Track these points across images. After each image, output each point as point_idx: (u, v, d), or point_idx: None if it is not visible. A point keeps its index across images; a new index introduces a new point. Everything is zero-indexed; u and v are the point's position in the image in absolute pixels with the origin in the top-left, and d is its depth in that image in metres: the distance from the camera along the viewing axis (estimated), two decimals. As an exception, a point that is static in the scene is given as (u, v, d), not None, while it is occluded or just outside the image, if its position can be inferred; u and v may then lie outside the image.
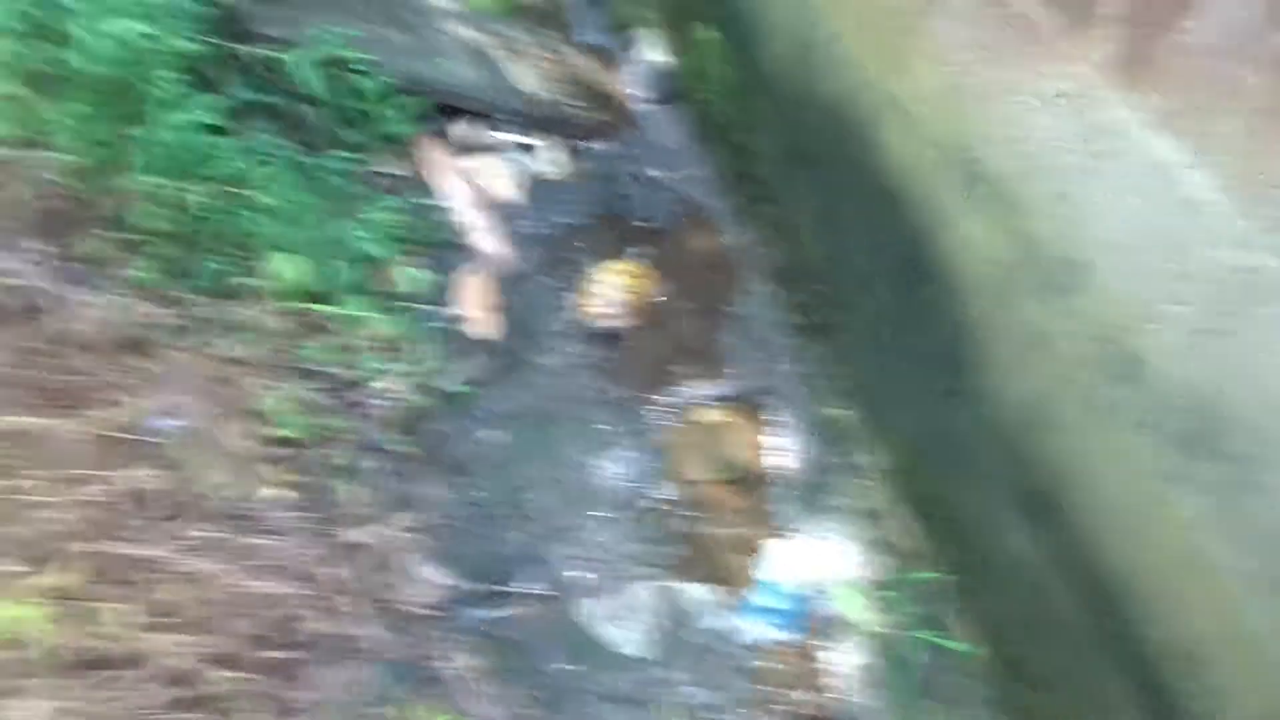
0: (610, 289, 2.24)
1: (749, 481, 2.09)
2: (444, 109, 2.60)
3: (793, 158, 2.19)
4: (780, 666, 1.86)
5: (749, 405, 2.22)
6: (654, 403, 2.19)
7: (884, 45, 1.76)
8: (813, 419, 2.20)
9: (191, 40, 2.03)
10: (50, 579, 1.44)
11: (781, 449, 2.15)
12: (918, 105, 1.69)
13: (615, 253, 2.37)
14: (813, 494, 2.08)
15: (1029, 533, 1.60)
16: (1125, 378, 1.33)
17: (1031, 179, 1.45)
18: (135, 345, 1.89)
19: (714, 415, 2.19)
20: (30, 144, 1.91)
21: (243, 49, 2.22)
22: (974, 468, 1.71)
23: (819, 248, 2.15)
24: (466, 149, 2.56)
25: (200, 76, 2.14)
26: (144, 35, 1.90)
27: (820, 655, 1.88)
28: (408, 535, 1.83)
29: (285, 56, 2.21)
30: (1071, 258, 1.40)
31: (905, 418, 1.92)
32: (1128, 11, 1.22)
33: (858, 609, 1.90)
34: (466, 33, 2.70)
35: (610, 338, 2.29)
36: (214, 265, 2.00)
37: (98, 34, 1.82)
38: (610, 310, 2.25)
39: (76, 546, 1.50)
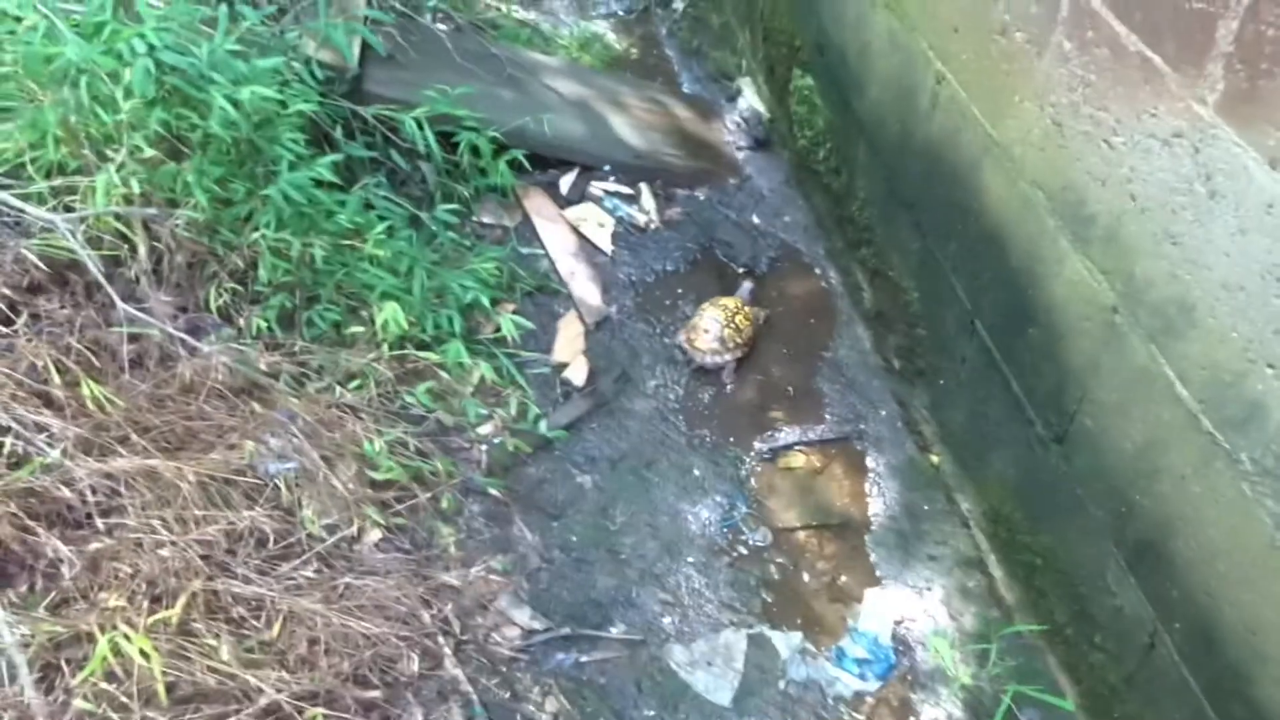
0: (708, 334, 2.24)
1: (844, 528, 2.04)
2: (549, 160, 2.68)
3: (891, 202, 2.16)
4: (872, 719, 1.80)
5: (845, 450, 2.18)
6: (750, 447, 2.17)
7: (988, 88, 1.74)
8: (910, 465, 2.15)
9: (316, 104, 2.16)
10: (164, 614, 1.52)
11: (877, 495, 2.10)
12: (1023, 147, 1.65)
13: (714, 298, 2.38)
14: (909, 542, 2.02)
15: (1135, 585, 1.51)
16: (1241, 424, 1.25)
17: (1141, 220, 1.40)
18: (255, 391, 1.99)
19: (810, 460, 2.16)
20: (168, 203, 2.05)
21: (362, 109, 2.34)
22: (1077, 516, 1.63)
23: (918, 291, 2.11)
24: (570, 199, 2.63)
25: (322, 136, 2.27)
26: (276, 101, 2.03)
27: (914, 708, 1.81)
28: (503, 578, 1.86)
29: (401, 116, 2.32)
30: (1184, 299, 1.33)
31: (1005, 464, 1.85)
32: (1242, 50, 1.17)
33: (953, 661, 1.83)
34: (571, 87, 2.78)
35: (707, 382, 2.29)
36: (329, 315, 2.10)
37: (235, 101, 1.95)
38: (707, 355, 2.25)
39: (192, 583, 1.58)
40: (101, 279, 1.94)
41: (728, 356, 2.25)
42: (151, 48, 1.88)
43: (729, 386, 2.28)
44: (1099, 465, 1.56)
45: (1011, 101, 1.66)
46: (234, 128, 1.99)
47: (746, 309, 2.30)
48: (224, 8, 2.03)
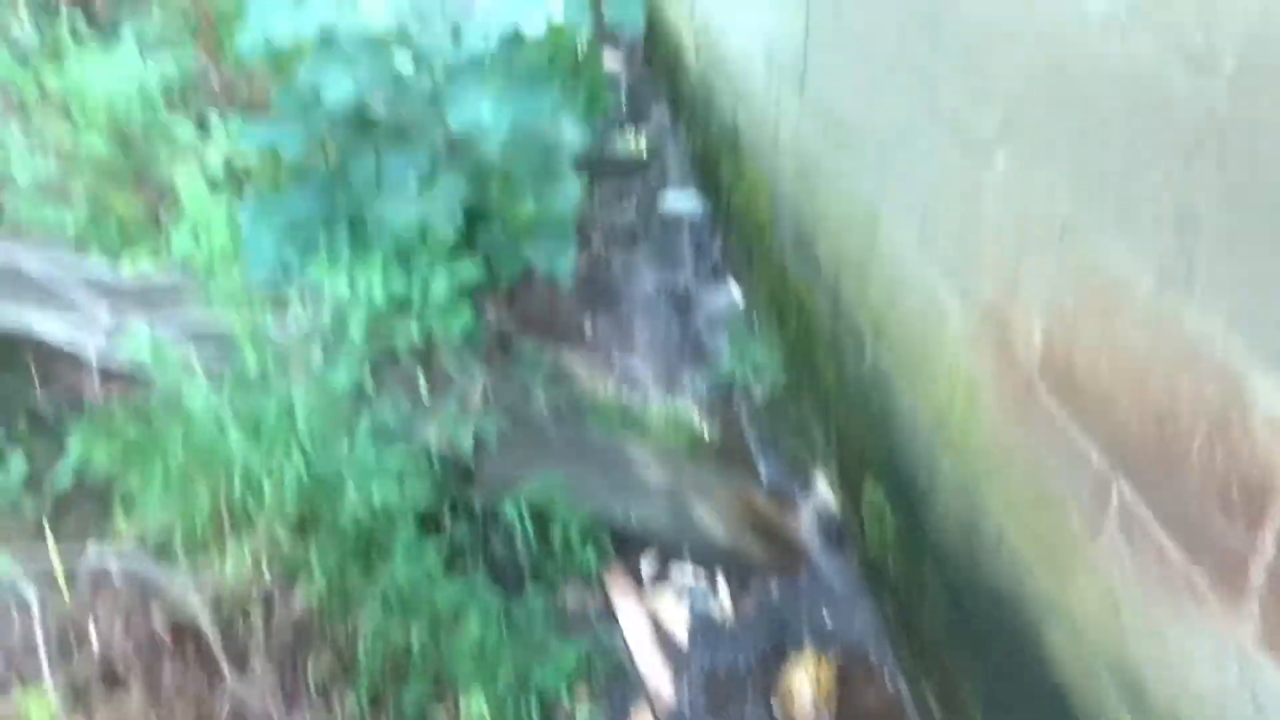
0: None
1: None
2: (633, 544, 2.88)
3: (958, 631, 2.25)
4: None
5: None
6: None
7: (1049, 555, 1.87)
8: None
9: (429, 494, 2.41)
10: None
11: None
12: (1084, 618, 1.75)
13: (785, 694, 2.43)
14: None
15: None
16: None
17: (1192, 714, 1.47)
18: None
19: None
20: (287, 580, 2.26)
21: (466, 496, 2.60)
22: None
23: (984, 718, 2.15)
24: (651, 584, 2.78)
25: (430, 521, 2.51)
26: (398, 494, 2.29)
27: None
28: None
29: (500, 502, 2.56)
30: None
31: None
32: (1275, 591, 1.30)
33: None
34: (658, 472, 3.03)
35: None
36: (417, 698, 2.22)
37: (364, 493, 2.21)
38: None
39: None
40: (219, 653, 2.12)
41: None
42: (304, 451, 2.17)
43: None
44: None
45: (1071, 570, 1.79)
46: (357, 517, 2.23)
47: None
48: (366, 414, 2.35)
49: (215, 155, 3.17)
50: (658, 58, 6.64)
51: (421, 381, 2.57)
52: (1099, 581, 1.70)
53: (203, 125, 3.39)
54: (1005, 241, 1.75)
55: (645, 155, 5.10)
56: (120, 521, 2.25)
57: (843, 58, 2.63)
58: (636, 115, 5.45)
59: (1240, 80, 1.13)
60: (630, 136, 5.09)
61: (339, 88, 2.42)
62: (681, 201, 4.63)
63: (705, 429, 3.44)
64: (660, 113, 5.92)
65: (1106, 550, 1.67)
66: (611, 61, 5.86)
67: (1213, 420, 1.25)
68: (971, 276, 1.89)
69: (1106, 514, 1.67)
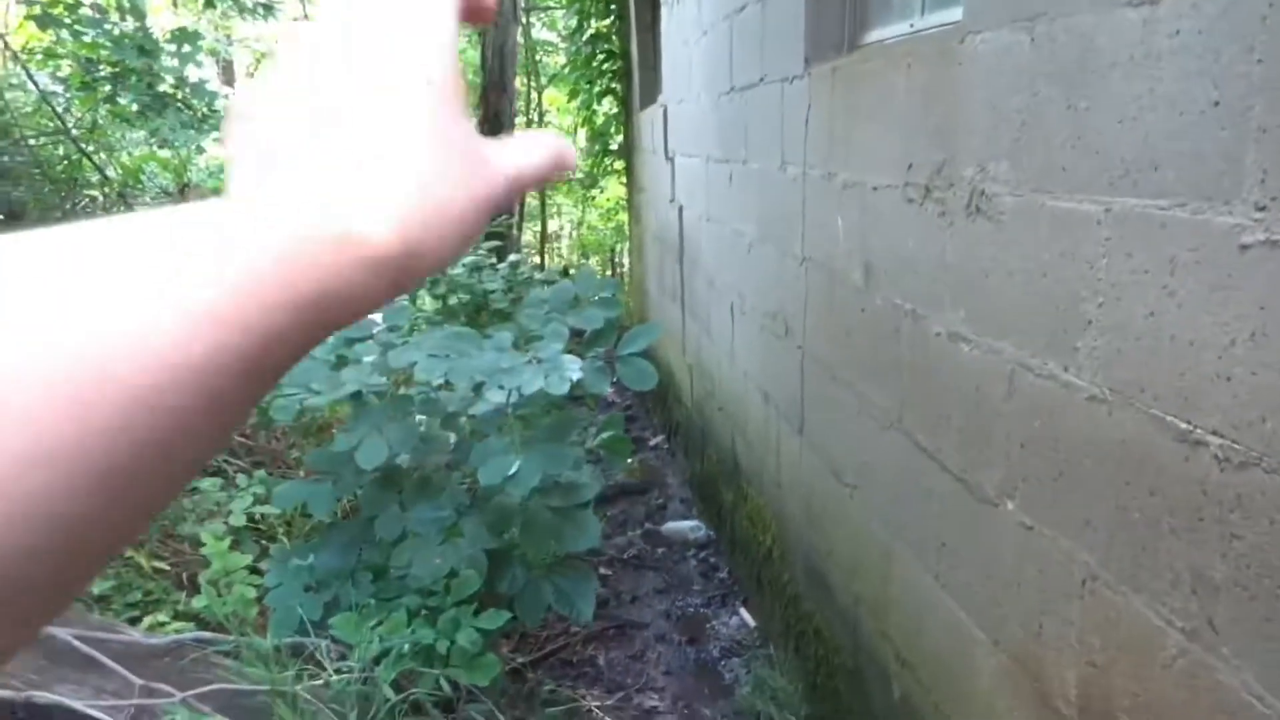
0: None
1: None
2: None
3: None
4: None
5: None
6: None
7: None
8: None
9: None
10: None
11: None
12: None
13: None
14: None
15: None
16: None
17: None
18: None
19: None
20: None
21: None
22: None
23: None
24: None
25: None
26: None
27: None
28: None
29: None
30: None
31: None
32: None
33: None
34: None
35: None
36: None
37: None
38: None
39: None
40: None
41: None
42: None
43: None
44: None
45: None
46: None
47: None
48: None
49: (239, 512, 3.29)
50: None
51: (449, 737, 2.53)
52: None
53: (227, 482, 3.54)
54: (1027, 586, 1.85)
55: (644, 480, 5.29)
56: None
57: (840, 408, 2.87)
58: (634, 441, 5.71)
59: (1227, 458, 1.30)
60: (630, 462, 5.31)
61: (376, 454, 2.59)
62: (684, 526, 4.75)
63: (729, 768, 3.32)
64: (656, 438, 6.20)
65: None
66: (608, 391, 6.22)
67: (1265, 777, 1.29)
68: (998, 620, 1.97)
69: None
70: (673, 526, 4.81)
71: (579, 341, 3.27)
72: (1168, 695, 1.46)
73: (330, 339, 3.04)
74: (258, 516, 3.60)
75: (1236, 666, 1.31)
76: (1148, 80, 1.41)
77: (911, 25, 2.57)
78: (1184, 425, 1.37)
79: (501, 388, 2.83)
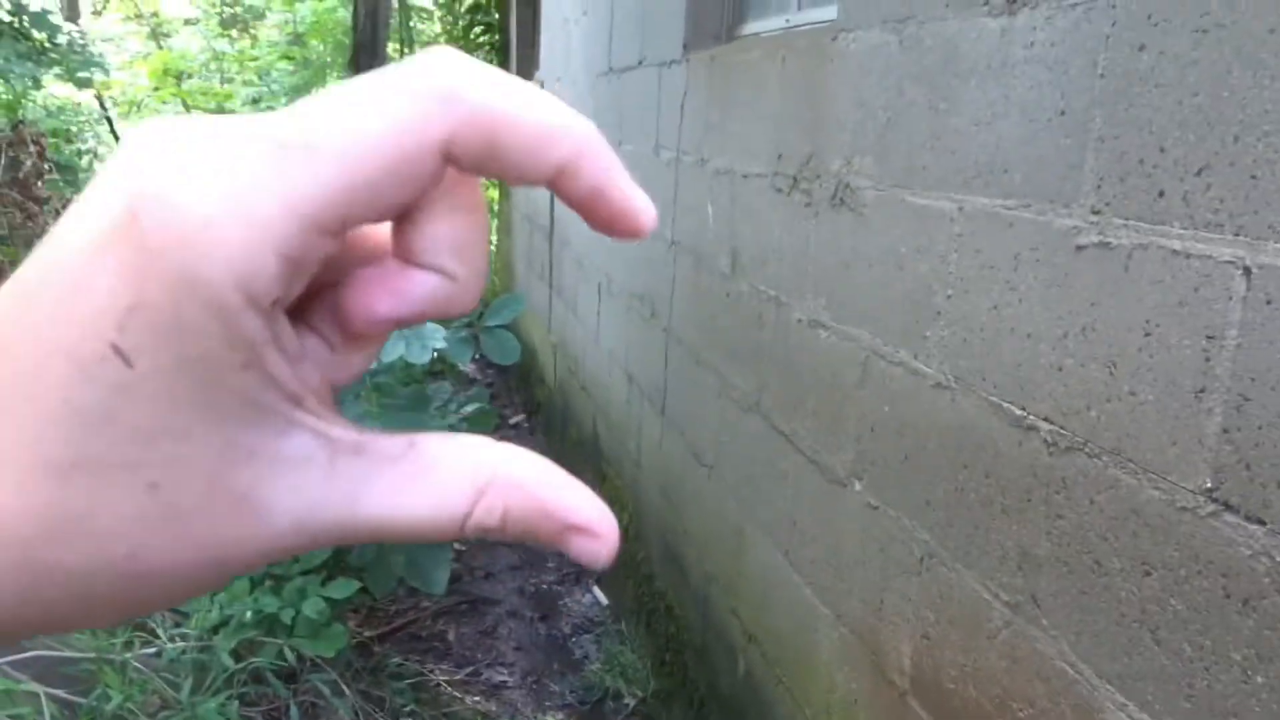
0: None
1: None
2: None
3: None
4: None
5: None
6: None
7: None
8: None
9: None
10: None
11: None
12: None
13: None
14: None
15: None
16: None
17: None
18: None
19: None
20: None
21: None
22: None
23: None
24: None
25: None
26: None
27: None
28: None
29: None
30: None
31: None
32: None
33: None
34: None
35: None
36: None
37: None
38: None
39: None
40: None
41: None
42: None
43: None
44: None
45: None
46: None
47: None
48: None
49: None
50: (513, 365, 6.99)
51: (293, 708, 2.45)
52: None
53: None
54: (870, 563, 1.94)
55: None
56: None
57: (702, 390, 2.93)
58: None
59: (1055, 443, 1.40)
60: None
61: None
62: (543, 505, 4.73)
63: (576, 742, 3.36)
64: (517, 417, 6.16)
65: None
66: (469, 367, 6.15)
67: (1073, 737, 1.40)
68: (841, 595, 2.06)
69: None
70: (530, 505, 4.79)
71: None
72: (992, 665, 1.57)
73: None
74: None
75: (1054, 637, 1.42)
76: (1002, 86, 1.50)
77: (787, 20, 2.64)
78: (1019, 411, 1.47)
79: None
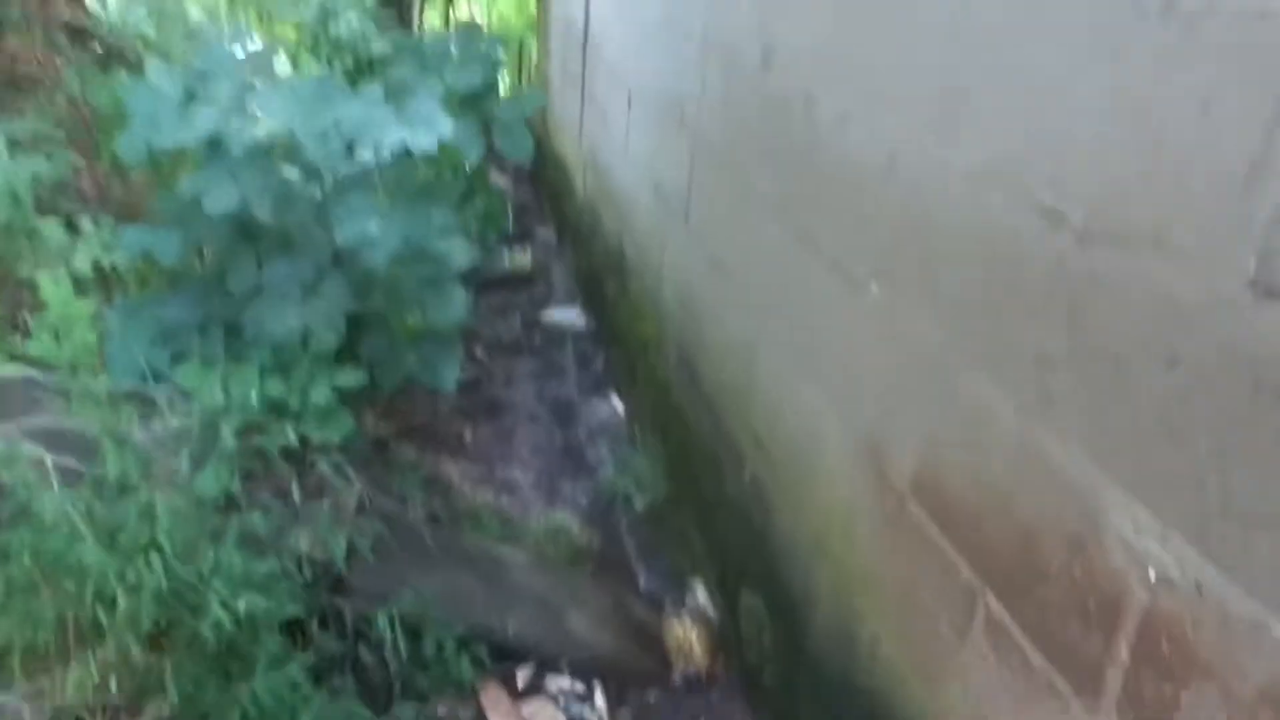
0: None
1: None
2: (509, 654, 2.81)
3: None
4: None
5: None
6: None
7: (921, 662, 1.95)
8: None
9: (297, 603, 2.31)
10: None
11: None
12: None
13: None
14: None
15: None
16: None
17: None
18: None
19: None
20: (137, 697, 2.11)
21: (338, 605, 2.50)
22: None
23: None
24: (525, 692, 2.72)
25: (297, 633, 2.40)
26: (263, 603, 2.18)
27: None
28: None
29: (373, 612, 2.48)
30: None
31: None
32: (1129, 698, 1.40)
33: None
34: (535, 582, 3.00)
35: None
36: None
37: (228, 602, 2.10)
38: None
39: None
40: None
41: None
42: (163, 553, 2.07)
43: None
44: None
45: (941, 676, 1.87)
46: (221, 628, 2.12)
47: None
48: (236, 518, 2.26)
49: (84, 258, 3.07)
50: (545, 179, 6.84)
51: (295, 487, 2.50)
52: (968, 687, 1.78)
53: (73, 227, 3.29)
54: (883, 370, 1.87)
55: (531, 271, 5.20)
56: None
57: (724, 194, 2.80)
58: (523, 233, 5.58)
59: (1086, 235, 1.29)
60: (516, 253, 5.19)
61: (223, 199, 2.40)
62: (566, 316, 4.72)
63: (585, 539, 3.44)
64: (546, 232, 6.06)
65: (974, 658, 1.76)
66: (499, 180, 6.01)
67: (1071, 539, 1.36)
68: (852, 402, 2.00)
69: (973, 624, 1.76)
70: (554, 317, 4.77)
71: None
72: (996, 468, 1.51)
73: (179, 70, 2.76)
74: (107, 269, 3.36)
75: (1064, 438, 1.35)
76: None
77: None
78: (1049, 201, 1.35)
79: (368, 145, 2.64)
